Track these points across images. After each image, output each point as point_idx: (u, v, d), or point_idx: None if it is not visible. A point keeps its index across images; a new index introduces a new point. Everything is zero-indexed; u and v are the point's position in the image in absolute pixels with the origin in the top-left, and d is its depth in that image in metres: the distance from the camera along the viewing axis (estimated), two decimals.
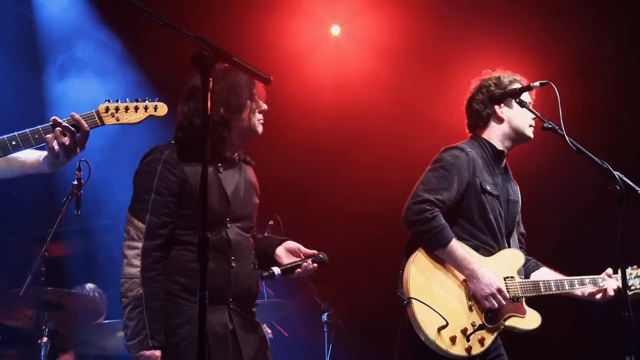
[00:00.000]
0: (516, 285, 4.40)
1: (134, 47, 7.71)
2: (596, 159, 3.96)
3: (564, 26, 7.74)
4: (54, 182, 6.69)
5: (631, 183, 3.82)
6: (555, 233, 7.48)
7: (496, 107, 4.53)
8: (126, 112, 3.41)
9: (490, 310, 4.27)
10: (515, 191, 4.66)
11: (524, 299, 4.41)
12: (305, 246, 4.00)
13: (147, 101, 3.44)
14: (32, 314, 5.74)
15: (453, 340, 4.17)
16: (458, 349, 4.18)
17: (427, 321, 4.15)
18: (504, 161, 4.64)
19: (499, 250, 4.45)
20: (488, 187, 4.43)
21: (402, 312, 4.22)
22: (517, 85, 4.50)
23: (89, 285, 6.69)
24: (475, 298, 4.27)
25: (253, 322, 3.89)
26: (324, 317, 6.34)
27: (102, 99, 3.42)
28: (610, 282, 4.51)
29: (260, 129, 3.93)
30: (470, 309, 4.27)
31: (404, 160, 7.96)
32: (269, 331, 6.68)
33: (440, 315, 4.13)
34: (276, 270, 3.83)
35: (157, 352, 3.58)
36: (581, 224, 7.32)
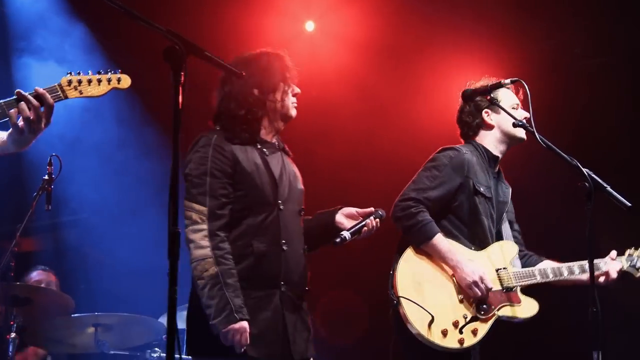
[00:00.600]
0: (509, 274, 4.47)
1: (104, 39, 7.62)
2: (565, 156, 3.98)
3: (536, 24, 7.76)
4: (24, 176, 6.64)
5: (600, 180, 3.84)
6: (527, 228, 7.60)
7: (484, 114, 4.63)
8: (89, 84, 3.37)
9: (482, 301, 4.33)
10: (506, 193, 4.74)
11: (518, 288, 4.47)
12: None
13: (109, 73, 3.41)
14: (1, 309, 5.70)
15: (444, 333, 4.22)
16: (450, 342, 4.23)
17: (416, 318, 4.21)
18: (498, 165, 4.71)
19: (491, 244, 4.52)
20: (482, 189, 4.51)
21: (393, 312, 4.28)
22: (496, 89, 4.55)
23: (37, 268, 6.61)
24: (464, 291, 4.32)
25: (302, 309, 3.91)
26: None
27: None
28: (613, 264, 4.59)
29: (294, 112, 4.02)
30: (462, 301, 4.33)
31: (378, 157, 8.01)
32: None
33: (426, 311, 4.18)
34: (346, 234, 3.90)
35: (245, 324, 3.59)
36: (553, 219, 7.42)
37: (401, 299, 4.19)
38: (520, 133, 4.56)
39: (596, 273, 4.51)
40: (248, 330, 3.58)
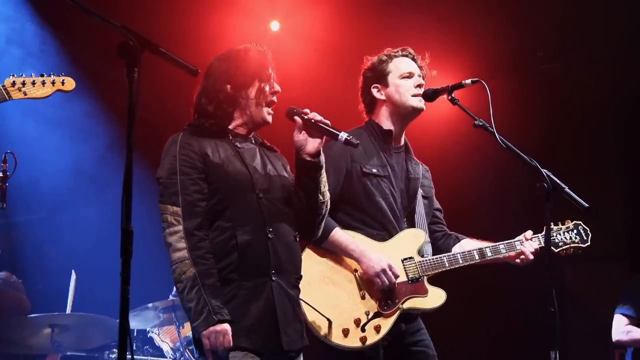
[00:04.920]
0: (415, 265, 4.38)
1: (62, 34, 7.52)
2: (525, 157, 3.98)
3: (500, 27, 7.82)
4: None
5: (558, 181, 3.85)
6: (484, 229, 7.63)
7: (373, 90, 4.60)
8: (33, 86, 3.40)
9: (386, 295, 4.24)
10: (416, 169, 4.64)
11: (425, 278, 4.38)
12: None
13: (53, 75, 3.40)
14: None
15: (345, 332, 4.16)
16: (351, 341, 4.17)
17: (315, 319, 4.15)
18: (402, 139, 4.64)
19: (397, 232, 4.43)
20: (374, 170, 4.42)
21: None
22: (386, 61, 4.62)
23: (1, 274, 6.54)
24: (367, 286, 4.25)
25: (294, 299, 3.80)
26: None
27: None
28: (529, 244, 4.49)
29: (268, 117, 3.92)
30: (364, 297, 4.25)
31: None
32: None
33: (321, 314, 4.12)
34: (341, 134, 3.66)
35: (226, 325, 3.50)
36: (509, 221, 7.44)
37: (300, 301, 4.08)
38: (415, 102, 4.51)
39: (511, 254, 4.50)
40: (230, 331, 3.50)
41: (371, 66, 4.66)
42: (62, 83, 3.41)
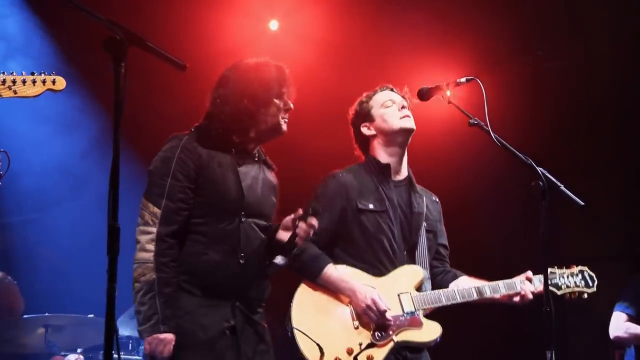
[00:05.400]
0: (410, 299, 4.34)
1: (49, 27, 7.48)
2: (520, 155, 3.95)
3: (500, 25, 7.80)
4: None
5: (554, 179, 3.82)
6: (479, 229, 7.66)
7: (362, 129, 4.57)
8: (23, 84, 3.36)
9: (380, 326, 4.23)
10: (420, 203, 4.58)
11: (420, 312, 4.34)
12: None
13: (43, 74, 3.36)
14: None
15: None
16: None
17: (308, 348, 4.12)
18: (403, 171, 4.58)
19: (395, 268, 4.40)
20: (370, 205, 4.39)
21: (292, 343, 4.18)
22: (367, 101, 4.57)
23: None
24: (361, 318, 4.23)
25: (258, 323, 3.82)
26: None
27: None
28: (529, 285, 4.45)
29: (284, 127, 3.91)
30: (357, 328, 4.23)
31: (341, 157, 7.96)
32: None
33: (313, 341, 4.09)
34: (279, 259, 3.81)
35: (170, 336, 3.52)
36: (505, 220, 7.47)
37: (294, 330, 4.11)
38: (403, 123, 4.46)
39: (510, 292, 4.45)
40: (173, 342, 3.51)
41: (355, 112, 4.62)
42: (53, 82, 3.37)
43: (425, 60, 7.45)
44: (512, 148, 3.99)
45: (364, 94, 4.65)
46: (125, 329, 6.30)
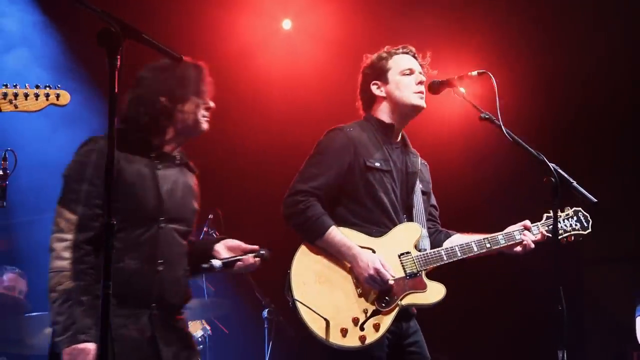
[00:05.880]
0: (412, 259, 4.24)
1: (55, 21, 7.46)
2: (532, 150, 3.87)
3: (517, 22, 7.72)
4: None
5: (565, 175, 3.73)
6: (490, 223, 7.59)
7: (372, 87, 4.47)
8: (26, 99, 3.25)
9: (384, 292, 4.12)
10: (415, 162, 4.51)
11: (423, 273, 4.25)
12: (250, 243, 3.88)
13: (48, 89, 3.27)
14: None
15: (344, 332, 4.04)
16: (351, 340, 4.04)
17: (312, 319, 4.03)
18: (401, 135, 4.51)
19: (394, 227, 4.30)
20: (376, 164, 4.30)
21: (295, 313, 4.09)
22: (386, 58, 4.49)
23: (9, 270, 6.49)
24: (364, 284, 4.12)
25: (179, 329, 3.70)
26: (265, 313, 6.20)
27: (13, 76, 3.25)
28: (529, 235, 4.34)
29: (205, 125, 3.77)
30: (361, 295, 4.13)
31: None
32: (208, 328, 6.55)
33: (318, 314, 4.01)
34: (216, 262, 3.69)
35: (90, 345, 3.38)
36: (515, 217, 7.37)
37: (296, 302, 4.01)
38: (415, 99, 4.38)
39: (510, 243, 4.36)
40: (92, 352, 3.36)
41: (371, 63, 4.53)
42: (57, 97, 3.30)
43: (440, 59, 7.34)
44: (523, 143, 3.91)
45: (386, 48, 4.55)
46: None
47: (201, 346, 6.39)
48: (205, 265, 3.68)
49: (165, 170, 3.71)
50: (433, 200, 4.65)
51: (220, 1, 7.68)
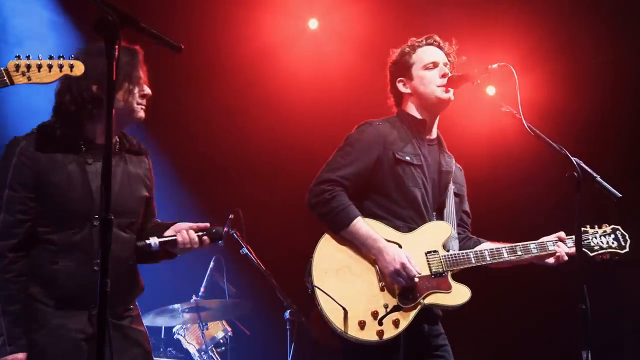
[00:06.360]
0: (439, 259, 4.14)
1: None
2: (554, 144, 3.76)
3: (545, 21, 7.60)
4: None
5: (589, 169, 3.61)
6: (511, 218, 7.55)
7: (399, 85, 4.41)
8: (39, 70, 3.10)
9: (407, 289, 4.02)
10: (449, 162, 4.43)
11: (449, 274, 4.14)
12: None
13: (61, 59, 3.14)
14: None
15: (362, 325, 3.93)
16: (368, 334, 3.93)
17: (330, 308, 3.93)
18: (434, 131, 4.43)
19: (423, 224, 4.21)
20: (407, 157, 4.21)
21: (313, 300, 3.99)
22: (409, 53, 4.39)
23: None
24: (386, 278, 4.02)
25: (125, 327, 3.58)
26: (287, 314, 6.13)
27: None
28: (563, 247, 4.24)
29: (140, 114, 3.61)
30: (383, 289, 4.03)
31: None
32: (229, 329, 6.49)
33: (337, 302, 3.90)
34: (153, 241, 3.53)
35: (20, 356, 3.30)
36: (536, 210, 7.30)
37: (315, 288, 3.91)
38: (440, 93, 4.29)
39: (542, 253, 4.25)
40: None
41: (395, 59, 4.47)
42: (70, 67, 3.14)
43: (468, 57, 7.27)
44: (545, 137, 3.81)
45: (409, 42, 4.46)
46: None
47: (223, 348, 6.34)
48: (140, 244, 3.54)
49: (97, 164, 3.51)
50: (466, 206, 4.56)
51: (247, 1, 7.66)
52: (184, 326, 6.64)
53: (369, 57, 7.87)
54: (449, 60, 4.41)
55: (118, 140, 3.68)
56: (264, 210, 7.64)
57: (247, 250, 5.96)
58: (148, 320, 6.09)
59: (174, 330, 6.69)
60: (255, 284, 6.88)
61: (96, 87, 3.48)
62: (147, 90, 3.61)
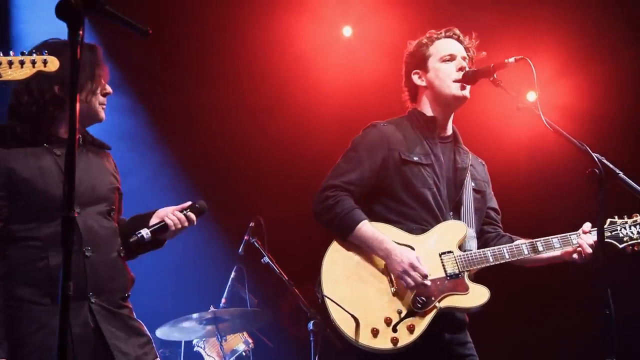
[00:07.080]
0: (454, 259, 3.95)
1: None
2: (574, 140, 3.56)
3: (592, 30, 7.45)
4: None
5: (611, 165, 3.40)
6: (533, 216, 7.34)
7: (414, 77, 4.24)
8: (10, 67, 2.98)
9: (421, 292, 3.84)
10: (465, 159, 4.22)
11: (466, 274, 3.94)
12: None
13: (34, 55, 3.02)
14: None
15: (375, 332, 3.77)
16: (381, 342, 3.78)
17: (341, 318, 3.79)
18: (448, 128, 4.25)
19: (437, 225, 4.03)
20: (414, 158, 4.03)
21: (324, 310, 3.87)
22: (427, 45, 4.22)
23: None
24: (399, 282, 3.84)
25: (124, 316, 3.49)
26: (310, 325, 5.96)
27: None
28: (586, 238, 4.00)
29: (102, 114, 3.55)
30: (395, 294, 3.86)
31: None
32: (250, 340, 6.33)
33: (347, 312, 3.76)
34: (144, 232, 3.52)
35: None
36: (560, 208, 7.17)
37: (325, 298, 3.79)
38: (455, 89, 4.11)
39: (567, 249, 4.02)
40: None
41: (412, 51, 4.30)
42: (44, 63, 3.03)
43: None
44: (565, 133, 3.60)
45: (428, 33, 4.30)
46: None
47: None
48: (132, 238, 3.51)
49: (63, 153, 3.42)
50: (494, 203, 4.38)
51: (281, 7, 7.64)
52: (204, 338, 6.49)
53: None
54: (468, 55, 4.23)
55: (81, 137, 3.60)
56: (287, 217, 7.51)
57: (268, 259, 5.83)
58: (163, 333, 5.98)
59: (194, 342, 6.57)
60: (278, 294, 6.76)
61: (58, 88, 3.41)
62: (109, 89, 3.55)
